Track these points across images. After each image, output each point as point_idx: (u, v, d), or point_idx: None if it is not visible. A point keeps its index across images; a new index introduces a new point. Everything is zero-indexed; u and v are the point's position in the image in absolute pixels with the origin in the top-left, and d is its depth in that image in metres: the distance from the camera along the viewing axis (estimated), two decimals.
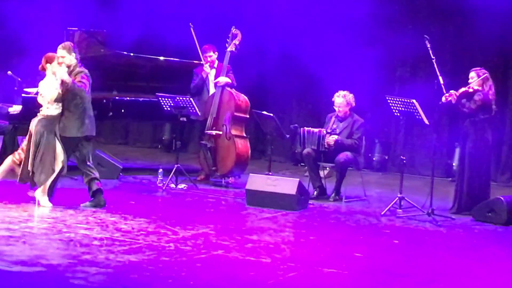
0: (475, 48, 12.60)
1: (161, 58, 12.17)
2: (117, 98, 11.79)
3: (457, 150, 11.98)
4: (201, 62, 11.59)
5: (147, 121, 14.61)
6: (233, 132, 11.05)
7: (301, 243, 8.02)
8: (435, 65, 9.67)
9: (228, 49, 11.25)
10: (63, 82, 8.83)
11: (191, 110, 10.86)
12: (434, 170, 9.99)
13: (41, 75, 9.20)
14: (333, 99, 10.65)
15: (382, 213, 9.62)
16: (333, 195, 10.44)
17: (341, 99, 10.56)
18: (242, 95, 11.25)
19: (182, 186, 10.72)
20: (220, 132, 11.10)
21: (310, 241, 8.12)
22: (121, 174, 11.29)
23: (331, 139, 10.43)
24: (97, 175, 9.17)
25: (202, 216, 8.98)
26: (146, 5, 14.06)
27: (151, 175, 11.42)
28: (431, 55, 9.72)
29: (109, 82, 12.13)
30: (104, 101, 11.64)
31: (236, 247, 7.62)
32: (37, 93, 9.21)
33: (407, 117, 9.94)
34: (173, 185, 10.66)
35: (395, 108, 9.92)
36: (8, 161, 9.29)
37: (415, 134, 12.98)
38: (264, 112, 11.06)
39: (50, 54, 9.06)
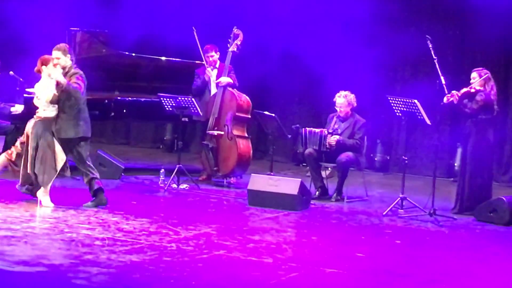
0: (477, 48, 12.60)
1: (163, 58, 12.18)
2: (119, 98, 11.80)
3: (459, 150, 12.00)
4: (203, 63, 11.60)
5: (149, 121, 14.62)
6: (235, 132, 11.05)
7: (302, 243, 8.02)
8: (437, 65, 9.67)
9: (230, 49, 11.25)
10: (58, 84, 8.86)
11: (193, 110, 10.86)
12: (436, 170, 10.00)
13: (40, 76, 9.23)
14: (334, 100, 10.64)
15: (384, 213, 9.61)
16: (334, 195, 10.44)
17: (343, 99, 10.56)
18: (244, 95, 11.25)
19: (184, 186, 10.73)
20: (222, 132, 11.11)
21: (311, 241, 8.12)
22: (123, 174, 11.30)
23: (332, 139, 10.43)
24: (96, 174, 9.18)
25: (204, 216, 8.98)
26: (148, 5, 14.06)
27: (153, 175, 11.42)
28: (433, 55, 9.72)
29: (111, 82, 12.15)
30: (106, 101, 11.65)
31: (238, 247, 7.62)
32: None
33: (409, 117, 9.93)
34: (175, 185, 10.67)
35: (397, 108, 9.92)
36: (1, 158, 9.32)
37: (417, 134, 12.98)
38: (266, 112, 11.07)
39: (45, 56, 9.11)
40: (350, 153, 10.38)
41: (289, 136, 11.06)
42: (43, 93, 8.95)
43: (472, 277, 7.10)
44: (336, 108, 10.64)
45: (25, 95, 10.78)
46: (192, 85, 11.56)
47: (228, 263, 7.05)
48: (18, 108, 10.94)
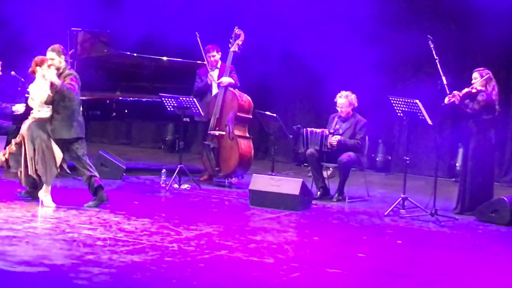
0: (479, 48, 12.59)
1: (164, 58, 12.19)
2: (120, 98, 11.81)
3: (460, 151, 12.00)
4: (204, 63, 11.60)
5: (150, 122, 14.64)
6: (236, 132, 11.06)
7: (304, 244, 8.02)
8: (439, 65, 9.67)
9: (231, 50, 11.25)
10: (52, 85, 8.88)
11: (194, 111, 10.87)
12: (437, 170, 10.00)
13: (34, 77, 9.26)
14: (335, 100, 10.64)
15: (385, 213, 9.61)
16: (336, 195, 10.44)
17: (344, 99, 10.56)
18: (245, 95, 11.25)
19: (185, 186, 10.73)
20: (223, 133, 11.11)
21: (313, 241, 8.12)
22: (124, 174, 11.30)
23: (333, 140, 10.43)
24: (95, 172, 9.20)
25: (205, 216, 8.98)
26: (149, 5, 14.07)
27: (154, 175, 11.42)
28: (434, 55, 9.71)
29: (113, 83, 12.17)
30: (108, 101, 11.66)
31: (239, 247, 7.62)
32: None
33: (410, 118, 9.93)
34: (176, 186, 10.67)
35: (398, 108, 9.92)
36: None
37: (419, 134, 12.97)
38: (268, 113, 11.07)
39: (40, 57, 9.15)
40: (351, 153, 10.38)
41: (291, 136, 11.06)
42: (38, 94, 8.99)
43: (473, 277, 7.10)
44: (337, 108, 10.63)
45: (26, 95, 10.78)
46: (194, 86, 11.56)
47: (230, 263, 7.05)
48: (19, 108, 10.95)
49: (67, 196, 9.47)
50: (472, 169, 9.83)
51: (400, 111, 9.93)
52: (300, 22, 13.28)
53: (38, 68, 9.06)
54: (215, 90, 11.39)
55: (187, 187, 10.72)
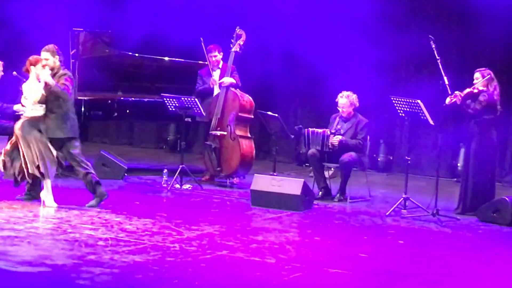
0: (480, 49, 12.59)
1: (166, 58, 12.20)
2: (122, 98, 11.82)
3: (462, 151, 12.00)
4: (206, 63, 11.61)
5: (152, 122, 14.65)
6: (238, 132, 11.06)
7: (305, 244, 8.01)
8: (440, 66, 9.66)
9: (233, 50, 11.25)
10: (46, 85, 8.91)
11: (196, 111, 10.87)
12: (439, 170, 10.00)
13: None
14: (336, 100, 10.64)
15: (387, 213, 9.61)
16: (337, 195, 10.44)
17: (345, 99, 10.56)
18: (247, 95, 11.25)
19: (187, 186, 10.73)
20: (225, 133, 11.11)
21: (314, 242, 8.12)
22: (126, 174, 11.31)
23: (335, 140, 10.42)
24: (90, 169, 9.22)
25: (207, 216, 8.98)
26: (151, 5, 14.07)
27: (156, 175, 11.43)
28: (436, 55, 9.71)
29: (114, 83, 12.18)
30: (109, 101, 11.67)
31: (240, 247, 7.62)
32: None
33: (412, 118, 9.93)
34: (178, 186, 10.67)
35: (400, 108, 9.92)
36: None
37: (420, 134, 12.97)
38: (269, 113, 11.07)
39: (34, 56, 9.18)
40: (353, 153, 10.38)
41: (292, 136, 11.06)
42: (31, 93, 9.02)
43: (475, 277, 7.10)
44: (339, 109, 10.64)
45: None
46: (195, 87, 11.56)
47: (231, 264, 7.05)
48: (20, 108, 10.95)
49: (69, 196, 9.47)
50: (474, 169, 9.83)
51: (401, 111, 9.93)
52: (301, 22, 13.28)
53: (32, 67, 9.11)
54: (216, 90, 11.39)
55: (189, 187, 10.73)
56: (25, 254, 6.94)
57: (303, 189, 9.61)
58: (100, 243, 7.51)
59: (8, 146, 9.21)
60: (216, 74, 11.43)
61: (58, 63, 9.12)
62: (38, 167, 8.96)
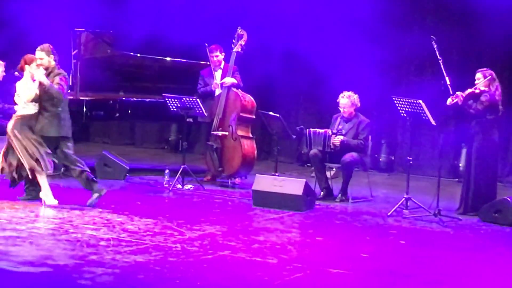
0: (482, 49, 12.58)
1: (168, 58, 12.20)
2: (123, 98, 11.82)
3: (464, 151, 11.98)
4: (207, 63, 11.61)
5: (153, 122, 14.65)
6: (239, 132, 11.06)
7: (307, 244, 8.01)
8: (442, 66, 9.66)
9: (234, 50, 11.25)
10: (41, 84, 8.93)
11: (197, 111, 10.87)
12: (441, 170, 9.98)
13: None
14: (338, 100, 10.64)
15: (389, 213, 9.60)
16: (339, 195, 10.44)
17: (346, 99, 10.56)
18: (248, 95, 11.25)
19: (188, 186, 10.73)
20: (226, 133, 11.11)
21: (316, 242, 8.12)
22: (127, 174, 11.31)
23: (336, 140, 10.42)
24: (85, 166, 9.25)
25: (208, 216, 8.98)
26: (153, 5, 14.08)
27: (158, 175, 11.43)
28: (438, 55, 9.71)
29: (116, 83, 12.19)
30: (111, 101, 11.67)
31: (242, 247, 7.62)
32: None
33: (413, 118, 9.92)
34: (179, 186, 10.68)
35: (401, 108, 9.91)
36: None
37: (422, 134, 12.97)
38: (271, 113, 11.07)
39: (29, 55, 9.21)
40: (354, 154, 10.38)
41: (294, 136, 11.05)
42: (24, 92, 9.05)
43: (476, 277, 7.10)
44: (340, 109, 10.64)
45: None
46: (197, 87, 11.56)
47: (233, 264, 7.05)
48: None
49: (70, 196, 9.47)
50: (476, 169, 9.82)
51: (403, 112, 9.92)
52: (303, 23, 13.28)
53: (26, 66, 9.14)
54: (218, 91, 11.39)
55: (190, 187, 10.73)
56: (27, 254, 6.95)
57: (305, 189, 9.62)
58: (102, 243, 7.51)
59: (3, 149, 9.23)
60: (218, 74, 11.44)
61: (53, 62, 9.16)
62: (37, 160, 8.99)
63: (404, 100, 9.87)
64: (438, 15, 12.94)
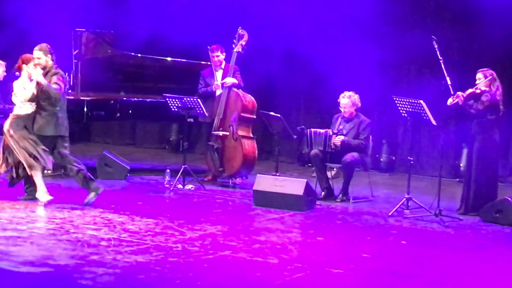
0: (483, 49, 12.58)
1: (169, 58, 12.21)
2: (124, 98, 11.83)
3: (465, 151, 11.97)
4: (208, 63, 11.61)
5: (154, 122, 14.66)
6: (240, 132, 11.06)
7: (308, 244, 8.01)
8: (443, 66, 9.66)
9: (235, 50, 11.25)
10: (38, 84, 8.95)
11: (198, 111, 10.87)
12: (442, 170, 9.98)
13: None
14: (338, 100, 10.65)
15: (390, 213, 9.60)
16: (340, 195, 10.43)
17: (347, 99, 10.56)
18: (249, 95, 11.25)
19: (189, 186, 10.74)
20: (227, 133, 11.11)
21: (317, 242, 8.12)
22: (128, 174, 11.32)
23: (337, 140, 10.42)
24: (81, 165, 9.27)
25: (209, 216, 8.99)
26: (154, 5, 14.08)
27: (159, 175, 11.44)
28: (439, 55, 9.71)
29: (117, 83, 12.19)
30: (112, 101, 11.68)
31: (243, 247, 7.62)
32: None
33: (414, 118, 9.92)
34: (180, 186, 10.68)
35: (402, 108, 9.91)
36: None
37: (423, 134, 12.97)
38: (272, 113, 11.07)
39: (27, 55, 9.24)
40: (355, 154, 10.38)
41: (295, 136, 11.05)
42: (22, 91, 9.06)
43: (477, 277, 7.09)
44: (341, 109, 10.64)
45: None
46: (198, 88, 11.56)
47: (234, 264, 7.05)
48: None
49: (72, 196, 9.47)
50: (476, 169, 9.82)
51: (404, 112, 9.92)
52: (303, 23, 13.28)
53: (24, 66, 9.15)
54: (219, 91, 11.39)
55: (191, 187, 10.73)
56: (28, 254, 6.95)
57: (306, 189, 9.62)
58: (103, 243, 7.51)
59: (1, 147, 9.24)
60: (218, 74, 11.44)
61: (50, 62, 9.17)
62: (34, 158, 9.00)
63: (405, 100, 9.87)
64: (439, 15, 12.94)
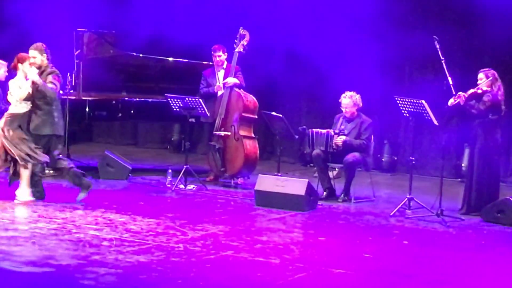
0: (485, 49, 12.57)
1: (170, 59, 12.21)
2: (126, 99, 11.83)
3: (466, 151, 11.98)
4: (210, 63, 11.62)
5: (156, 122, 14.65)
6: (242, 132, 11.06)
7: (310, 244, 8.02)
8: (444, 66, 9.66)
9: (236, 50, 11.25)
10: (34, 83, 8.97)
11: (200, 111, 10.87)
12: (443, 170, 9.99)
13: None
14: (340, 100, 10.64)
15: (391, 213, 9.60)
16: (342, 196, 10.43)
17: (348, 99, 10.56)
18: (250, 95, 11.25)
19: (191, 186, 10.74)
20: (229, 133, 11.11)
21: (319, 242, 8.12)
22: (130, 175, 11.32)
23: (339, 140, 10.42)
24: (69, 164, 9.31)
25: (211, 216, 8.99)
26: (155, 6, 14.08)
27: (160, 175, 11.43)
28: (440, 55, 9.71)
29: (118, 83, 12.19)
30: (113, 102, 11.68)
31: (245, 247, 7.62)
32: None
33: (416, 118, 9.92)
34: (182, 186, 10.68)
35: (404, 108, 9.91)
36: None
37: (424, 134, 12.95)
38: (273, 113, 11.07)
39: (22, 54, 9.26)
40: (357, 154, 10.38)
41: (296, 136, 11.05)
42: (17, 90, 9.08)
43: (479, 277, 7.09)
44: (342, 109, 10.63)
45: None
46: (199, 88, 11.56)
47: (235, 264, 7.05)
48: None
49: (73, 196, 9.46)
50: (478, 169, 9.82)
51: (406, 112, 9.92)
52: (305, 23, 13.27)
53: (19, 65, 9.17)
54: (220, 92, 11.38)
55: (193, 187, 10.73)
56: (30, 254, 6.96)
57: (307, 189, 9.62)
58: (105, 243, 7.52)
59: None
60: (220, 74, 11.44)
61: (46, 61, 9.21)
62: (28, 156, 9.02)
63: (407, 100, 9.87)
64: (441, 15, 12.92)
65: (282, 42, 13.46)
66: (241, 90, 11.25)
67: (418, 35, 12.27)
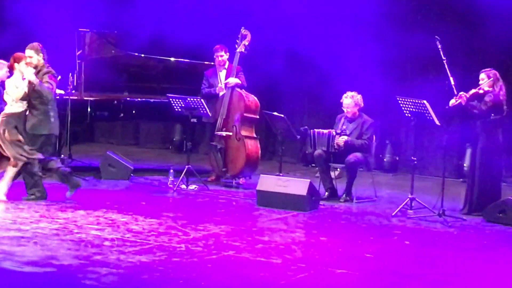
0: (487, 49, 12.56)
1: (172, 59, 12.22)
2: (128, 99, 11.84)
3: (468, 151, 11.98)
4: (212, 63, 11.62)
5: (158, 122, 14.66)
6: (243, 133, 11.06)
7: (311, 244, 8.01)
8: (446, 66, 9.66)
9: (238, 50, 11.25)
10: (30, 83, 8.99)
11: (201, 111, 10.88)
12: (445, 170, 9.99)
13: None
14: (341, 100, 10.64)
15: (393, 214, 9.60)
16: (344, 196, 10.43)
17: (349, 100, 10.55)
18: (252, 95, 11.26)
19: (193, 187, 10.74)
20: (230, 133, 11.11)
21: (320, 242, 8.12)
22: (132, 175, 11.32)
23: (340, 140, 10.42)
24: (57, 163, 9.34)
25: (213, 216, 8.99)
26: (157, 6, 14.09)
27: (162, 176, 11.43)
28: (442, 55, 9.70)
29: (120, 83, 12.20)
30: (115, 102, 11.69)
31: (246, 247, 7.62)
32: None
33: (418, 118, 9.92)
34: (184, 186, 10.68)
35: (406, 108, 9.91)
36: None
37: (426, 135, 12.95)
38: (275, 113, 11.07)
39: (18, 54, 9.29)
40: (358, 154, 10.38)
41: (298, 136, 11.05)
42: (13, 90, 9.09)
43: (481, 277, 7.09)
44: (343, 109, 10.63)
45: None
46: (201, 88, 11.56)
47: (237, 264, 7.05)
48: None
49: (74, 196, 9.47)
50: (480, 169, 9.81)
51: (407, 112, 9.92)
52: (306, 23, 13.26)
53: (16, 64, 9.18)
54: (222, 92, 11.38)
55: (195, 187, 10.74)
56: (32, 255, 6.96)
57: (309, 189, 9.62)
58: (106, 243, 7.52)
59: None
60: (222, 74, 11.44)
61: (42, 61, 9.23)
62: (22, 155, 9.04)
63: (408, 100, 9.87)
64: (443, 15, 12.92)
65: (283, 42, 13.46)
66: (243, 90, 11.25)
67: (420, 35, 12.26)
